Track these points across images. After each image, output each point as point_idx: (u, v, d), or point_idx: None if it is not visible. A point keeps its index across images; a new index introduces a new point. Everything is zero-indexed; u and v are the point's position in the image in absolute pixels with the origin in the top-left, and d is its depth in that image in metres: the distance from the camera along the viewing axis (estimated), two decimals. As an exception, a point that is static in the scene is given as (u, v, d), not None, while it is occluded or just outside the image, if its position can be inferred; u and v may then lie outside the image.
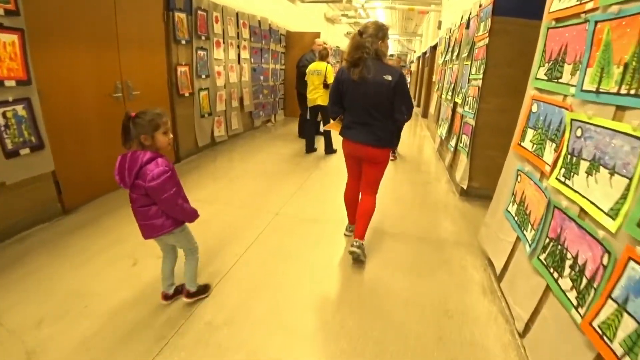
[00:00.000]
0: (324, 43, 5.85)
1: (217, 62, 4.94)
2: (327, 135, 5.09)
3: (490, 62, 3.20)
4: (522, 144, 2.04)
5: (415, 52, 18.45)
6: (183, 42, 4.20)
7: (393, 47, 26.46)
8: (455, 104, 4.35)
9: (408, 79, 16.34)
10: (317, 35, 7.20)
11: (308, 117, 5.24)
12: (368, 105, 2.17)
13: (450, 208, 3.43)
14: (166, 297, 1.89)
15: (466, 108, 3.69)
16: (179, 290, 1.94)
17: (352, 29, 16.03)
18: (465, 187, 3.59)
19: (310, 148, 5.20)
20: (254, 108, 6.38)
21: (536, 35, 2.04)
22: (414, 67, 15.76)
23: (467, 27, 4.10)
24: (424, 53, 11.26)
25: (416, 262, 2.44)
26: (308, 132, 5.22)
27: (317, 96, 4.86)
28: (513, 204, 2.07)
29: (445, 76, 5.31)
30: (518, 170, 2.05)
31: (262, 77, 6.51)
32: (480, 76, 3.27)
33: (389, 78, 2.09)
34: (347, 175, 2.57)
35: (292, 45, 7.66)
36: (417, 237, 2.80)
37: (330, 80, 4.73)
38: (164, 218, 1.66)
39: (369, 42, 2.11)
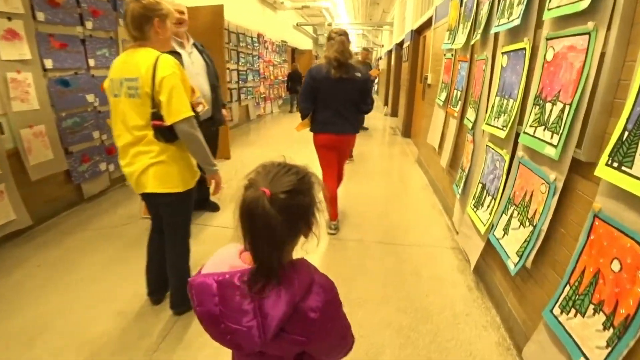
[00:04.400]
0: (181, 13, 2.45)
1: None
2: (184, 276, 1.76)
3: None
4: None
5: (383, 46, 15.51)
6: None
7: (356, 42, 23.68)
8: (542, 151, 1.32)
9: (376, 81, 13.43)
10: (219, 8, 3.97)
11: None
12: (345, 99, 2.47)
13: None
14: None
15: None
16: None
17: (304, 18, 12.97)
18: None
19: (159, 294, 1.92)
20: (73, 163, 3.01)
21: None
22: (383, 65, 12.75)
23: None
24: (399, 44, 8.33)
25: None
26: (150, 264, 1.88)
27: (148, 164, 1.55)
28: None
29: (482, 79, 2.26)
30: None
31: (88, 97, 3.19)
32: None
33: (359, 75, 2.46)
34: (324, 172, 2.67)
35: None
36: None
37: (182, 106, 1.48)
38: None
39: (349, 45, 2.43)
